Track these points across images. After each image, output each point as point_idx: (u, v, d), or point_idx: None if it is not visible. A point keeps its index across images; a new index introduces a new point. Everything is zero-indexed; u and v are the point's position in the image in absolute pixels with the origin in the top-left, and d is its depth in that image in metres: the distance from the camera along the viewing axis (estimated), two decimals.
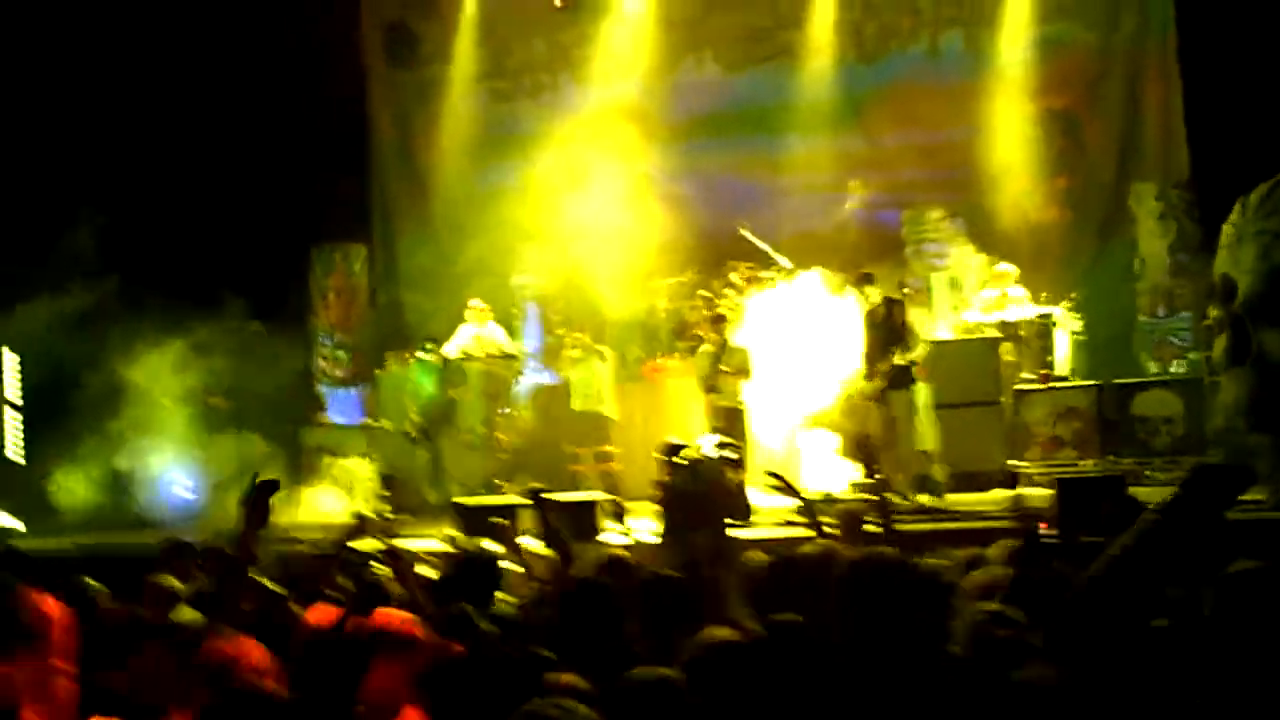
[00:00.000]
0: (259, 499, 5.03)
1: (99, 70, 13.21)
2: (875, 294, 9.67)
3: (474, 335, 12.61)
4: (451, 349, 12.30)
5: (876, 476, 9.83)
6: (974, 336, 10.81)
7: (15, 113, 12.81)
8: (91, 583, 5.08)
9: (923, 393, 9.57)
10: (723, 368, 10.90)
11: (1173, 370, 11.49)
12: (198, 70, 13.57)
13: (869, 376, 9.66)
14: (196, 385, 11.94)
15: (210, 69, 13.57)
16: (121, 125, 13.28)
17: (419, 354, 11.97)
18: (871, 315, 9.64)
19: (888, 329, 9.53)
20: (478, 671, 3.66)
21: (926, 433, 9.47)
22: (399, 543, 5.97)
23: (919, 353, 9.60)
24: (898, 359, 9.44)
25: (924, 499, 9.44)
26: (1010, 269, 11.44)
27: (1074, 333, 11.21)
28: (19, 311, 11.88)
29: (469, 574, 5.16)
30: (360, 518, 6.10)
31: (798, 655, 3.56)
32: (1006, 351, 10.79)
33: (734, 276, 12.45)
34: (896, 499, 8.48)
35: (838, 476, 10.32)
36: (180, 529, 8.44)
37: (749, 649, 3.62)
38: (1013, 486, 6.81)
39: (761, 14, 14.60)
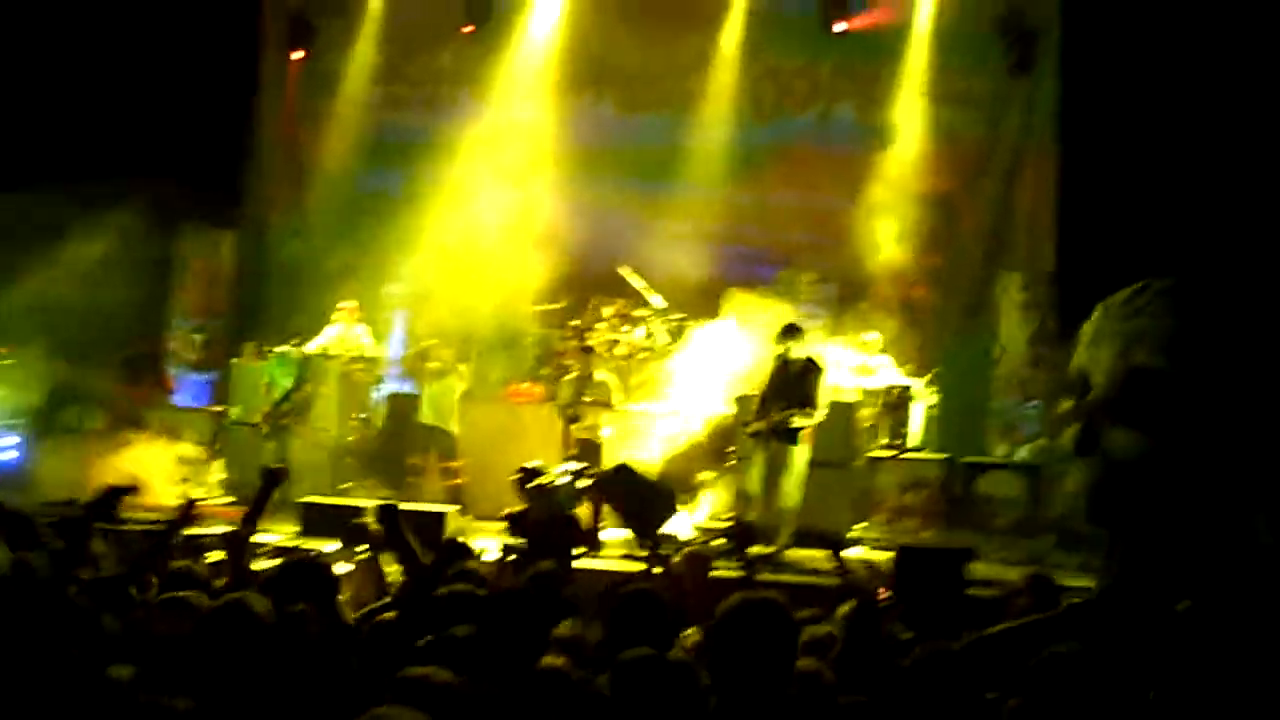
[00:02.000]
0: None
1: None
2: (799, 350, 9.52)
3: (339, 335, 12.43)
4: (313, 345, 12.07)
5: (736, 522, 9.87)
6: (835, 400, 10.98)
7: None
8: None
9: (802, 455, 9.53)
10: (585, 398, 10.91)
11: (1019, 455, 11.81)
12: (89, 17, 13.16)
13: (758, 417, 9.54)
14: (40, 351, 11.50)
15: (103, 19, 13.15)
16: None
17: (280, 348, 11.67)
18: (788, 365, 9.49)
19: (798, 386, 9.38)
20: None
21: (794, 491, 9.45)
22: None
23: (815, 420, 9.46)
24: (797, 420, 9.30)
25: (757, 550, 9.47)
26: (875, 338, 11.68)
27: (929, 407, 11.47)
28: None
29: (305, 576, 5.03)
30: (191, 503, 5.91)
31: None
32: (865, 418, 10.98)
33: (605, 310, 12.48)
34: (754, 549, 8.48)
35: (684, 519, 10.33)
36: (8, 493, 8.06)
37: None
38: (834, 548, 6.84)
39: (663, 61, 14.73)
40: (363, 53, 15.02)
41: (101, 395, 11.36)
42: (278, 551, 7.14)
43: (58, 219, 12.16)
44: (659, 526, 6.55)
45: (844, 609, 4.90)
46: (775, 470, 9.38)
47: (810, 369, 9.46)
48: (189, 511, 5.85)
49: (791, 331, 9.58)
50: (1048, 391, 11.93)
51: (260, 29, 15.21)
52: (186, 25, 13.60)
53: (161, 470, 10.62)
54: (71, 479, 9.09)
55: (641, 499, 9.02)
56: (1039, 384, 12.21)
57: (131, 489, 5.14)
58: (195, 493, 10.38)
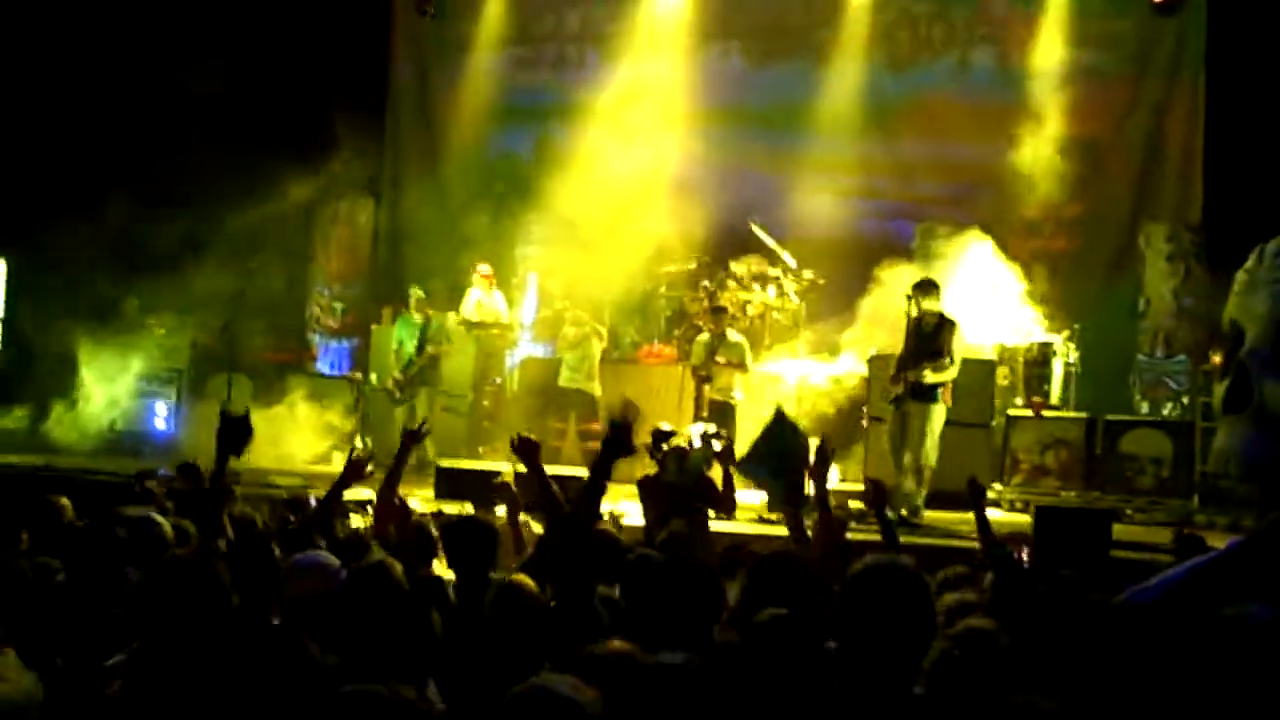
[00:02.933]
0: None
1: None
2: (934, 305, 9.25)
3: (478, 301, 12.54)
4: (460, 310, 12.25)
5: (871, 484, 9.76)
6: (972, 358, 10.76)
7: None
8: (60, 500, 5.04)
9: (939, 414, 9.26)
10: (718, 359, 10.86)
11: (1165, 412, 11.45)
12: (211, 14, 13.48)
13: (894, 381, 9.35)
14: (189, 320, 11.88)
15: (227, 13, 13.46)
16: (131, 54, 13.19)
17: (405, 310, 11.83)
18: (921, 323, 9.26)
19: (931, 342, 9.18)
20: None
21: (932, 451, 9.27)
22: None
23: (950, 375, 9.22)
24: (929, 376, 9.11)
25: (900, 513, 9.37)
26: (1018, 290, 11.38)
27: (1070, 364, 11.16)
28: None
29: (470, 537, 5.09)
30: (358, 465, 5.92)
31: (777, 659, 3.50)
32: (1002, 375, 10.75)
33: (737, 269, 12.40)
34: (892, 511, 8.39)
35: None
36: (156, 459, 8.37)
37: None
38: (977, 504, 6.68)
39: (795, 11, 14.51)
40: (491, 15, 15.08)
41: (248, 363, 11.68)
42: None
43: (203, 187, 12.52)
44: (791, 495, 6.46)
45: (988, 577, 4.82)
46: (913, 431, 9.18)
47: (944, 324, 9.22)
48: (358, 470, 5.81)
49: (925, 287, 9.32)
50: (1195, 345, 11.52)
51: None
52: None
53: (303, 436, 10.93)
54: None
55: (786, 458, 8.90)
56: (1185, 337, 11.80)
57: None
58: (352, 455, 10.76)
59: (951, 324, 9.25)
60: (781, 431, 8.66)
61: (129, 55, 13.12)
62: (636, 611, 4.12)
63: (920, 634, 3.46)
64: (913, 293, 9.30)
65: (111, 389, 11.43)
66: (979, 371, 10.13)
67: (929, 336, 9.21)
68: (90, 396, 11.36)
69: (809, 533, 6.28)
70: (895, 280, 11.92)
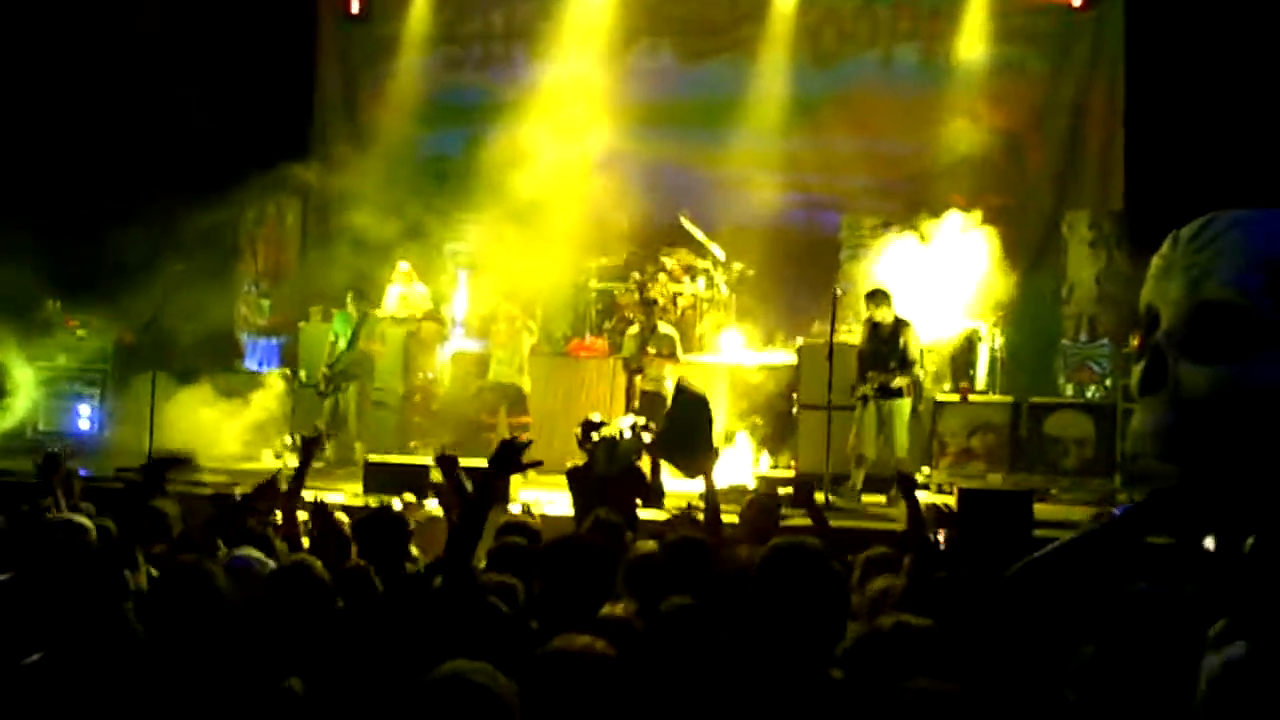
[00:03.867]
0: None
1: None
2: (888, 313, 9.77)
3: (400, 295, 12.56)
4: (382, 307, 12.20)
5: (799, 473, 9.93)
6: None
7: None
8: None
9: (906, 407, 9.66)
10: (649, 350, 10.90)
11: (1089, 395, 11.65)
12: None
13: (861, 381, 9.77)
14: (112, 321, 11.70)
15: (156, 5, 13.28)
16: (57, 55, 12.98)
17: (342, 308, 11.78)
18: (878, 329, 9.77)
19: (891, 344, 9.68)
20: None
21: (902, 444, 9.57)
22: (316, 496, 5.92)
23: (916, 375, 9.73)
24: (898, 381, 9.59)
25: (836, 499, 9.49)
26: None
27: (995, 350, 11.33)
28: None
29: (380, 528, 5.12)
30: (313, 442, 5.93)
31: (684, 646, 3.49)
32: (931, 362, 10.87)
33: (667, 261, 12.44)
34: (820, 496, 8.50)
35: (746, 469, 10.34)
36: (79, 459, 8.23)
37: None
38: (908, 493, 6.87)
39: (722, 7, 14.58)
40: (417, 17, 15.01)
41: (172, 361, 11.50)
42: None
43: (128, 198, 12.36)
44: (701, 461, 6.48)
45: (907, 559, 4.86)
46: (885, 425, 9.65)
47: (900, 326, 9.74)
48: (313, 447, 5.83)
49: (876, 297, 9.87)
50: (1117, 329, 11.74)
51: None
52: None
53: (230, 433, 10.80)
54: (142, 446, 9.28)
55: (690, 427, 8.95)
56: (1108, 321, 12.02)
57: (184, 461, 5.18)
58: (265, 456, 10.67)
59: (908, 325, 9.77)
60: (684, 403, 8.75)
61: (56, 56, 12.91)
62: (544, 597, 4.10)
63: (831, 615, 3.48)
64: (868, 301, 9.85)
65: (32, 389, 11.22)
66: None
67: (887, 339, 9.71)
68: (12, 397, 11.14)
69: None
70: (822, 271, 12.10)
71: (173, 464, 5.31)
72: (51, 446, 7.49)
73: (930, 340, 10.93)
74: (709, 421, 8.90)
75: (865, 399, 9.73)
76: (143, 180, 12.73)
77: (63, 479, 5.76)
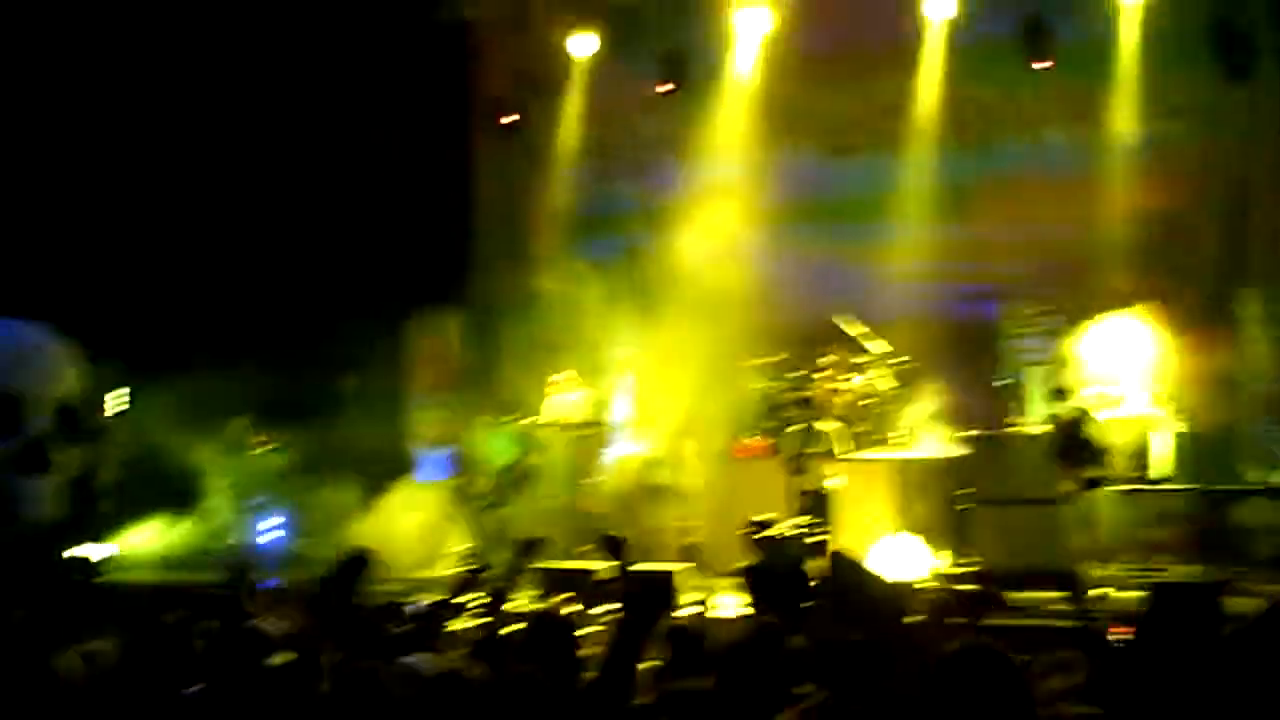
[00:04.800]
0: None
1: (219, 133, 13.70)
2: (1069, 410, 10.12)
3: (560, 404, 12.78)
4: (539, 419, 12.46)
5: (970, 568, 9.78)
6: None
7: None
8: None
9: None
10: (808, 449, 10.88)
11: (1275, 479, 11.16)
12: (300, 130, 14.00)
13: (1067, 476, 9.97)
14: (294, 437, 12.19)
15: (316, 131, 13.98)
16: (228, 181, 13.73)
17: (501, 421, 12.04)
18: (1066, 426, 10.05)
19: (1080, 441, 9.97)
20: None
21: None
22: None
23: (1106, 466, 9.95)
24: (1091, 471, 9.82)
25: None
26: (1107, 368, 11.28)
27: (1174, 436, 10.99)
28: None
29: (547, 633, 5.20)
30: (474, 572, 6.11)
31: None
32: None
33: (823, 360, 12.44)
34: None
35: (919, 564, 10.18)
36: (267, 572, 8.57)
37: None
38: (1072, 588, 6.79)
39: (861, 103, 14.65)
40: (568, 128, 15.45)
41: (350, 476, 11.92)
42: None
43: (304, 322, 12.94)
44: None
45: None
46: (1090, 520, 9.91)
47: (1085, 419, 10.07)
48: (469, 581, 5.98)
49: (1059, 395, 10.34)
50: None
51: (472, 111, 15.83)
52: (401, 114, 14.32)
53: (406, 543, 11.08)
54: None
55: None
56: None
57: (366, 561, 5.35)
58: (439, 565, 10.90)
59: (1091, 420, 10.11)
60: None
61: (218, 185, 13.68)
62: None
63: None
64: (1050, 399, 10.33)
65: (225, 503, 11.75)
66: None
67: (1074, 434, 10.00)
68: (210, 514, 11.67)
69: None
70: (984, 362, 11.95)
71: (361, 564, 5.48)
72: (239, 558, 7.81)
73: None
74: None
75: (1068, 495, 9.86)
76: (316, 304, 13.35)
77: (249, 590, 6.01)
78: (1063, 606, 8.82)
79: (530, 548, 5.85)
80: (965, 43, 14.04)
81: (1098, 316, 12.23)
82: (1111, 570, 10.02)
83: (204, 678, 4.60)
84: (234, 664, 4.69)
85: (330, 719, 3.94)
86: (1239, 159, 13.11)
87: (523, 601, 8.67)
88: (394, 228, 14.19)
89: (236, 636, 5.13)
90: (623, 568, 5.67)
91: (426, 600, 6.26)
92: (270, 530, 11.87)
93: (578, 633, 5.36)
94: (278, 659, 4.63)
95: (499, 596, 5.78)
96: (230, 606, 5.79)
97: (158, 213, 13.65)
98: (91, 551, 10.13)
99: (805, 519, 9.57)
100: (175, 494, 11.47)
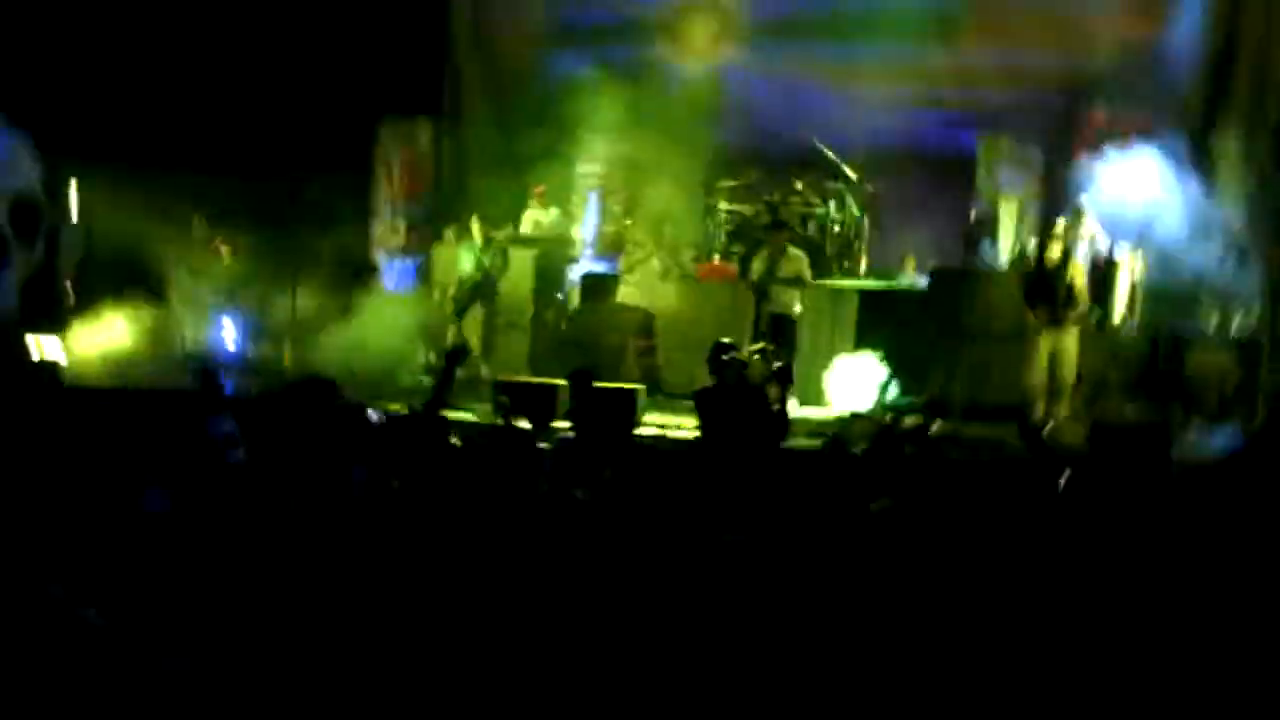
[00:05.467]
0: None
1: None
2: (1058, 246, 10.06)
3: (533, 219, 12.68)
4: (511, 230, 12.35)
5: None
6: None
7: None
8: None
9: (1074, 340, 9.88)
10: (778, 274, 10.83)
11: (1234, 325, 11.18)
12: None
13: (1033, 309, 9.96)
14: (256, 240, 12.08)
15: None
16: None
17: (464, 230, 11.91)
18: (1044, 260, 10.04)
19: (1059, 279, 9.90)
20: None
21: (1070, 377, 9.79)
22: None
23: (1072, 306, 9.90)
24: (1057, 310, 9.82)
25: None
26: (1083, 205, 11.18)
27: (1135, 277, 10.99)
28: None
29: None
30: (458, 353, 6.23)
31: None
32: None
33: (798, 183, 12.33)
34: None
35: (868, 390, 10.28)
36: (225, 376, 8.56)
37: None
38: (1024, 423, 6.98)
39: None
40: None
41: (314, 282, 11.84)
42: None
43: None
44: None
45: None
46: (1055, 359, 9.84)
47: (1067, 260, 9.97)
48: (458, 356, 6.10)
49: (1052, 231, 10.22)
50: (1268, 255, 11.25)
51: None
52: None
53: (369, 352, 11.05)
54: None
55: None
56: (1260, 246, 11.51)
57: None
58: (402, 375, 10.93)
59: (1073, 259, 10.03)
60: None
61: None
62: None
63: None
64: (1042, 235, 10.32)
65: (186, 305, 11.68)
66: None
67: (1055, 271, 9.91)
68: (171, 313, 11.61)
69: None
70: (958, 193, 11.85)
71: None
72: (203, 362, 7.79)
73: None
74: None
75: (1037, 331, 9.85)
76: (279, 106, 13.03)
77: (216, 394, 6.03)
78: (1013, 440, 9.00)
79: (457, 355, 5.86)
80: None
81: (1077, 151, 12.08)
82: (1063, 408, 10.16)
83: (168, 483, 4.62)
84: (199, 468, 4.73)
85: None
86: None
87: (476, 416, 8.78)
88: (368, 30, 13.76)
89: (201, 441, 5.16)
90: (585, 383, 5.71)
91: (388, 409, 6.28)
92: (231, 334, 11.83)
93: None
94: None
95: (434, 402, 5.81)
96: (197, 410, 5.79)
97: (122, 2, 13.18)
98: (52, 350, 10.06)
99: (768, 344, 9.57)
100: (135, 291, 11.36)
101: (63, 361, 9.54)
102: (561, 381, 8.09)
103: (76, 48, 12.57)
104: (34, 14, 12.40)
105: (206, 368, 6.16)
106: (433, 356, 11.35)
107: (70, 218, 11.63)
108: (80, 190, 11.84)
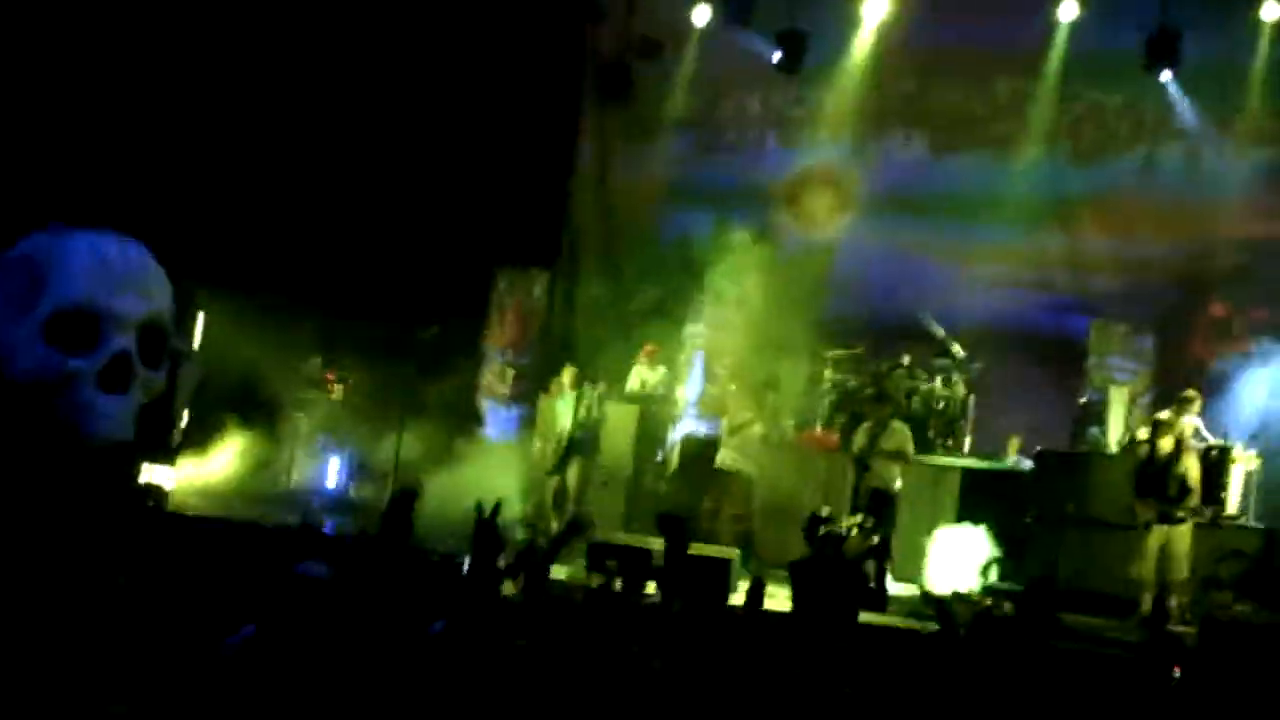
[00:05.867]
0: (399, 511, 5.30)
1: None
2: (1170, 437, 9.75)
3: (640, 377, 12.75)
4: (617, 386, 12.44)
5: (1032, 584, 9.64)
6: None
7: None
8: None
9: (1188, 534, 9.61)
10: (880, 447, 10.71)
11: None
12: (413, 78, 14.09)
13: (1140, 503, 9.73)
14: (369, 380, 12.35)
15: (429, 79, 14.06)
16: (337, 116, 13.87)
17: (576, 385, 12.03)
18: (1156, 449, 9.72)
19: (1171, 469, 9.66)
20: None
21: (1182, 571, 9.55)
22: None
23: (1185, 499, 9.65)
24: (1169, 503, 9.58)
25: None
26: (1194, 395, 10.98)
27: (1250, 472, 10.70)
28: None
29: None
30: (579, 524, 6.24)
31: None
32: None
33: (905, 357, 12.30)
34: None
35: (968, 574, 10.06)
36: (324, 515, 8.72)
37: None
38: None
39: (979, 101, 14.38)
40: (677, 101, 15.31)
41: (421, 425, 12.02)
42: None
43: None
44: None
45: None
46: (1166, 552, 9.58)
47: (1181, 451, 9.69)
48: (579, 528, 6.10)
49: (1160, 426, 9.85)
50: None
51: (584, 74, 15.76)
52: (514, 70, 14.33)
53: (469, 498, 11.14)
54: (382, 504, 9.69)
55: None
56: None
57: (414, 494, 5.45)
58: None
59: (1189, 449, 9.74)
60: None
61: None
62: None
63: None
64: (1148, 425, 9.99)
65: (297, 442, 11.93)
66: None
67: (1167, 461, 9.61)
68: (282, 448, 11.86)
69: None
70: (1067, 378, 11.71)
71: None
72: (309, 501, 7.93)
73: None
74: None
75: (1148, 524, 9.61)
76: (406, 249, 13.47)
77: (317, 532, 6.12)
78: (1119, 634, 8.72)
79: (578, 528, 5.89)
80: (1088, 48, 13.64)
81: (1192, 343, 11.95)
82: (1174, 603, 9.83)
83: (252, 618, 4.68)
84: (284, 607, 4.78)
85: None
86: None
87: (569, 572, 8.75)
88: (493, 182, 14.23)
89: (290, 581, 5.21)
90: (679, 549, 5.69)
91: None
92: (335, 471, 12.03)
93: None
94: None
95: (542, 565, 5.81)
96: (292, 548, 5.88)
97: (260, 139, 13.79)
98: (163, 477, 10.32)
99: (866, 518, 9.43)
100: (250, 424, 11.66)
101: (169, 486, 9.74)
102: (657, 545, 8.05)
103: (218, 179, 13.17)
104: (177, 138, 13.03)
105: (308, 507, 6.26)
106: (530, 509, 11.38)
107: (193, 345, 12.06)
108: (207, 315, 12.31)
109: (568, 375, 11.95)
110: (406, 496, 5.35)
